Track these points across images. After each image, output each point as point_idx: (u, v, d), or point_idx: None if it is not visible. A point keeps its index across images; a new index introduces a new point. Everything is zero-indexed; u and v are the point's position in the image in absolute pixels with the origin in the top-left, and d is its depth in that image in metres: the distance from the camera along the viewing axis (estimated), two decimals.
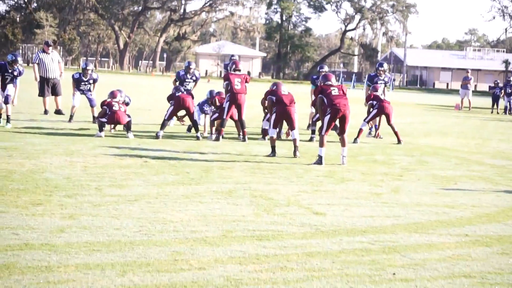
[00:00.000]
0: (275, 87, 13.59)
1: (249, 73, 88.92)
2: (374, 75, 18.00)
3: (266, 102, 15.13)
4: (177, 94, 15.31)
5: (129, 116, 15.18)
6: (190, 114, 15.38)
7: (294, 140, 13.19)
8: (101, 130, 14.75)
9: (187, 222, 7.31)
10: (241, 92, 15.05)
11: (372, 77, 18.01)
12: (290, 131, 13.50)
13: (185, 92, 15.52)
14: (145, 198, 8.42)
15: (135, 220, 7.30)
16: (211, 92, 16.24)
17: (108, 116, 14.90)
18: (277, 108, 13.20)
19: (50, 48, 20.15)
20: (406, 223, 7.79)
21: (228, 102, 15.03)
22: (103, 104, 15.20)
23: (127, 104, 15.96)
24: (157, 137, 14.92)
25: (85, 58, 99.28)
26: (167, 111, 15.34)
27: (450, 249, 6.76)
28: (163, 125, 15.16)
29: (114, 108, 14.98)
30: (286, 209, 8.26)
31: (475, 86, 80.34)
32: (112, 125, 15.56)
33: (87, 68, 17.72)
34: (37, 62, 19.83)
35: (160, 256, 6.05)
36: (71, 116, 17.57)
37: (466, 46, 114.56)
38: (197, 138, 15.20)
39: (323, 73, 13.83)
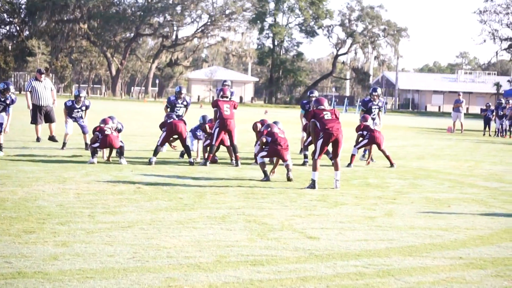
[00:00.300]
0: (270, 129, 13.83)
1: (241, 98, 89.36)
2: (368, 100, 18.05)
3: (256, 128, 15.46)
4: (169, 121, 15.38)
5: (121, 142, 15.19)
6: (182, 140, 15.42)
7: (287, 166, 13.23)
8: (93, 156, 14.74)
9: (180, 248, 7.29)
10: (231, 118, 15.13)
11: (366, 102, 18.05)
12: (282, 162, 13.57)
13: (177, 118, 15.57)
14: (138, 225, 8.40)
15: (129, 246, 7.27)
16: (203, 117, 16.27)
17: (100, 140, 14.90)
18: (271, 147, 13.31)
19: (43, 75, 20.13)
20: (400, 246, 7.78)
21: (217, 128, 15.10)
22: (95, 130, 15.21)
23: (119, 130, 15.97)
24: (150, 163, 14.91)
25: (77, 85, 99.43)
26: (160, 137, 15.37)
27: (444, 272, 6.74)
28: (155, 151, 15.17)
29: (106, 132, 14.99)
30: (280, 233, 8.25)
31: (467, 108, 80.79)
32: (107, 154, 15.54)
33: (80, 95, 17.75)
34: (29, 90, 19.79)
35: (154, 283, 6.02)
36: (64, 144, 17.55)
37: (458, 69, 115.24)
38: (190, 163, 15.22)
39: (314, 98, 13.88)
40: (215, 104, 15.28)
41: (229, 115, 15.12)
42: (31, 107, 19.59)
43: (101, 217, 8.81)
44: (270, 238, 7.94)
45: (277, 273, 6.48)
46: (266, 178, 13.07)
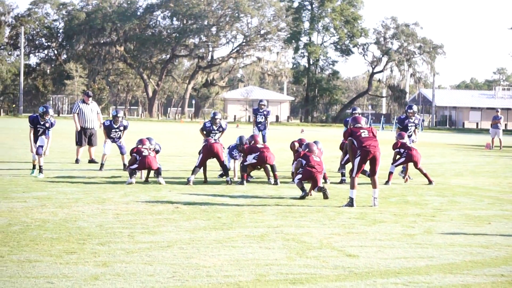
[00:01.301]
0: (308, 150, 14.00)
1: (277, 117, 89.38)
2: (405, 117, 17.99)
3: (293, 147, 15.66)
4: (205, 143, 15.55)
5: (159, 164, 15.32)
6: (220, 160, 15.50)
7: (320, 188, 13.32)
8: (131, 177, 14.87)
9: (220, 267, 7.32)
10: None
11: (402, 120, 18.00)
12: (313, 189, 13.60)
13: (213, 141, 15.73)
14: (177, 244, 8.45)
15: (168, 266, 7.33)
16: (240, 138, 16.33)
17: (138, 161, 15.04)
18: (306, 170, 13.43)
19: (90, 98, 20.59)
20: (440, 264, 7.73)
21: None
22: (132, 151, 15.35)
23: (157, 151, 16.09)
24: (188, 182, 14.99)
25: (114, 107, 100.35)
26: (198, 159, 15.47)
27: None
28: (194, 171, 15.25)
29: (144, 153, 15.12)
30: (319, 251, 8.24)
31: (506, 125, 79.76)
32: (145, 175, 15.67)
33: (118, 115, 17.95)
34: (77, 112, 20.23)
35: None
36: (102, 165, 17.74)
37: (495, 86, 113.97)
38: (227, 182, 15.27)
39: (353, 116, 13.90)
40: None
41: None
42: (79, 129, 19.96)
43: (140, 237, 8.88)
44: (309, 257, 7.94)
45: None
46: (304, 193, 13.11)
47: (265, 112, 22.69)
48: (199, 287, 6.54)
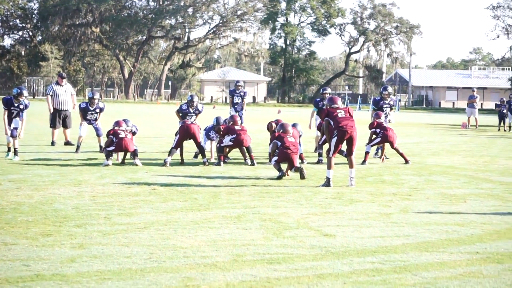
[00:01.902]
0: (282, 131, 13.95)
1: (254, 98, 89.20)
2: (380, 99, 18.01)
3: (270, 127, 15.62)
4: (181, 124, 15.49)
5: (135, 146, 15.25)
6: (196, 141, 15.46)
7: (296, 168, 13.33)
8: (108, 159, 14.79)
9: (197, 248, 7.30)
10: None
11: (377, 101, 18.02)
12: (289, 169, 13.62)
13: (189, 121, 15.69)
14: (154, 226, 8.42)
15: (145, 247, 7.30)
16: (217, 119, 16.28)
17: (115, 143, 14.95)
18: (281, 151, 13.42)
19: (64, 80, 20.30)
20: (416, 242, 7.77)
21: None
22: (109, 133, 15.25)
23: (134, 133, 16.01)
24: (164, 163, 14.94)
25: (90, 88, 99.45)
26: (174, 140, 15.40)
27: (461, 267, 6.73)
28: (170, 153, 15.20)
29: (120, 135, 15.03)
30: (296, 231, 8.25)
31: (481, 104, 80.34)
32: (122, 157, 15.58)
33: (94, 97, 17.79)
34: (50, 93, 19.97)
35: (171, 283, 6.04)
36: (78, 147, 17.61)
37: (471, 65, 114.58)
38: (204, 163, 15.24)
39: (328, 96, 13.88)
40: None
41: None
42: (52, 111, 19.73)
43: (117, 219, 8.84)
44: (286, 237, 7.95)
45: (294, 271, 6.49)
46: (281, 173, 13.12)
47: (242, 93, 22.61)
48: (176, 268, 6.52)
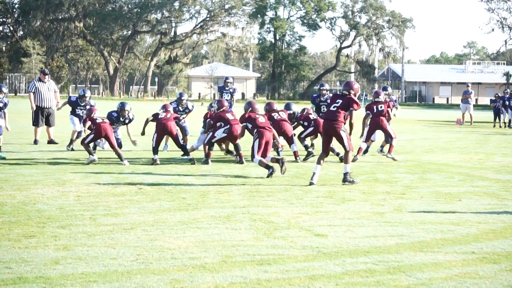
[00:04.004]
0: (251, 110, 13.90)
1: (243, 94, 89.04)
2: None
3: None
4: (158, 121, 15.06)
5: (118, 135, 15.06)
6: (174, 139, 15.09)
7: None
8: (91, 154, 14.51)
9: (185, 249, 7.15)
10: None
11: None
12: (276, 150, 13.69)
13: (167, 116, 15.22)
14: (141, 226, 8.25)
15: (132, 248, 7.14)
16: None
17: (93, 130, 14.67)
18: (259, 134, 13.27)
19: (47, 76, 19.93)
20: (411, 242, 7.63)
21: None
22: (85, 121, 15.02)
23: (130, 120, 15.73)
24: (154, 162, 14.69)
25: (74, 85, 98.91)
26: (153, 139, 15.07)
27: (457, 267, 6.61)
28: (154, 151, 14.91)
29: (97, 121, 14.76)
30: (287, 232, 8.09)
31: (476, 100, 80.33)
32: (106, 144, 15.28)
33: (85, 95, 17.56)
34: (33, 91, 19.59)
35: (158, 285, 5.91)
36: (72, 141, 17.38)
37: (466, 60, 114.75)
38: (191, 162, 14.94)
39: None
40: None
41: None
42: (34, 108, 19.40)
43: (103, 219, 8.66)
44: (277, 237, 7.79)
45: (285, 272, 6.36)
46: (271, 170, 12.77)
47: (231, 90, 22.42)
48: (163, 269, 6.38)
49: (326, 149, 12.24)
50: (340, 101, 12.14)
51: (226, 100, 22.31)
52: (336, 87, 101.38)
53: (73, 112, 17.62)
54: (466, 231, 8.27)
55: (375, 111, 16.29)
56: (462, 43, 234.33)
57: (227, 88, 22.39)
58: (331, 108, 12.16)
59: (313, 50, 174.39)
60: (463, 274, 6.38)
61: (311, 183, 11.83)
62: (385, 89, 18.00)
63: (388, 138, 16.42)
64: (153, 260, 6.69)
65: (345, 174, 12.07)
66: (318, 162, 12.05)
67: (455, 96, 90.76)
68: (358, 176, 13.29)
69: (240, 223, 8.54)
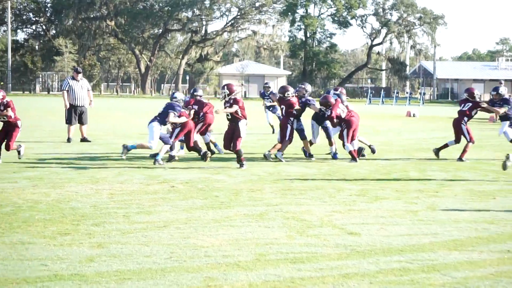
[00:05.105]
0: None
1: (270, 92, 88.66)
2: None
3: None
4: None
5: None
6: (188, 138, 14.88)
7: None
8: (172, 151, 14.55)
9: (218, 247, 7.15)
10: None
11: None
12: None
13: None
14: (174, 224, 8.27)
15: (165, 246, 7.15)
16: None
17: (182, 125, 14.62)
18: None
19: (80, 75, 20.00)
20: (445, 241, 7.56)
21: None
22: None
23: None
24: (172, 158, 14.53)
25: (105, 83, 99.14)
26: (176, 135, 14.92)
27: (492, 266, 6.55)
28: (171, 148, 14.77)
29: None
30: (320, 230, 8.06)
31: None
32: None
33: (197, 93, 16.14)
34: (66, 89, 19.70)
35: (192, 283, 5.92)
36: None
37: (498, 57, 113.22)
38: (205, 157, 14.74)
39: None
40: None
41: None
42: (67, 107, 19.52)
43: (136, 217, 8.69)
44: (310, 235, 7.76)
45: (319, 271, 6.33)
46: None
47: (270, 95, 22.39)
48: (197, 267, 6.38)
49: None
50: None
51: (272, 105, 22.17)
52: (367, 84, 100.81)
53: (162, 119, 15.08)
54: (501, 229, 8.19)
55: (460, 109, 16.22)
56: (495, 40, 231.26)
57: (267, 94, 22.18)
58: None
59: (344, 48, 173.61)
60: (498, 273, 6.31)
61: None
62: (266, 83, 18.93)
63: (458, 140, 16.09)
64: (186, 258, 6.70)
65: None
66: None
67: (487, 93, 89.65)
68: (390, 173, 13.22)
69: (273, 221, 8.52)
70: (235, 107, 14.31)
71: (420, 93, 74.60)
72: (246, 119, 14.57)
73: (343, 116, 15.11)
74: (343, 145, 15.07)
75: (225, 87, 15.02)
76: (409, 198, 10.38)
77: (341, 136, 15.26)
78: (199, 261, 6.60)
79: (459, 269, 6.44)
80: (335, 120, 15.13)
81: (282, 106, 15.27)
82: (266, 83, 22.91)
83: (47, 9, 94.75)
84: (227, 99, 14.66)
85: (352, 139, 15.02)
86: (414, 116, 38.99)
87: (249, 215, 8.89)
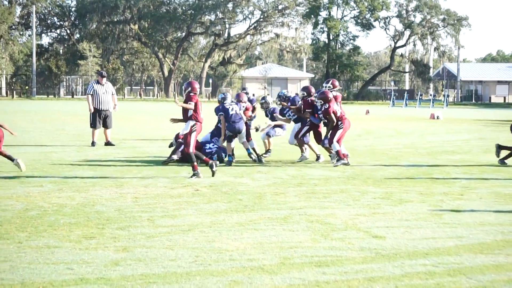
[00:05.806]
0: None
1: (297, 95, 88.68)
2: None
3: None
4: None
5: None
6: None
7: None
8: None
9: (243, 251, 7.15)
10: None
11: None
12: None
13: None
14: (198, 228, 8.28)
15: (190, 250, 7.17)
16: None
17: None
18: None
19: (105, 79, 20.06)
20: (471, 244, 7.51)
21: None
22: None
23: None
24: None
25: (129, 87, 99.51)
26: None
27: None
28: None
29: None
30: (344, 233, 8.04)
31: None
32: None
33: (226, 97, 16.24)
34: (91, 93, 19.74)
35: (217, 286, 5.93)
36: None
37: None
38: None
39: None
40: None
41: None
42: (92, 110, 19.58)
43: (161, 221, 8.72)
44: (334, 238, 7.75)
45: (344, 274, 6.32)
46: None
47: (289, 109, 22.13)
48: (222, 271, 6.39)
49: None
50: None
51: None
52: (390, 87, 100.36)
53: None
54: None
55: None
56: None
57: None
58: None
59: (367, 50, 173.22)
60: None
61: None
62: (244, 89, 18.43)
63: None
64: (211, 262, 6.71)
65: None
66: None
67: None
68: (414, 176, 13.15)
69: (297, 225, 8.51)
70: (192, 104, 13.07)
71: (444, 95, 74.14)
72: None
73: (338, 115, 14.96)
74: (328, 144, 14.85)
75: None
76: (433, 201, 10.32)
77: (319, 140, 15.28)
78: (224, 265, 6.60)
79: (485, 273, 6.39)
80: (331, 114, 14.88)
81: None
82: (244, 89, 21.48)
83: (71, 13, 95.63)
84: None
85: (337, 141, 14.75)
86: (438, 118, 38.80)
87: (273, 219, 8.88)
